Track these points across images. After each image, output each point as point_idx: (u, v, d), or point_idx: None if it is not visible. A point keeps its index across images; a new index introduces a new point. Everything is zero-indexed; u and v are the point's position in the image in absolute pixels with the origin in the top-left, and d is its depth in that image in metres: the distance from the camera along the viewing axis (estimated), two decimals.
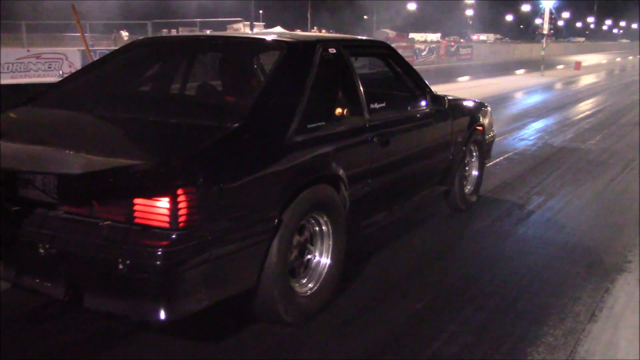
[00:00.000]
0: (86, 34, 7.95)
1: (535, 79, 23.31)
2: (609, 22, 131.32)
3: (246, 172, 2.89)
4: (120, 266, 2.55)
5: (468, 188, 5.58)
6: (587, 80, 23.68)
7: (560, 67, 30.33)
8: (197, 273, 2.67)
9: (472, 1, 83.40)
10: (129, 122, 3.34)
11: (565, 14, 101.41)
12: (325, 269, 3.50)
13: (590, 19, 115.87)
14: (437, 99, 4.82)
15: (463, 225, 5.24)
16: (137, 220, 2.60)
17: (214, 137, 2.88)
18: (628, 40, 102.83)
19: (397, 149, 4.19)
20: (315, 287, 3.44)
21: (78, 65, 15.88)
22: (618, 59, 47.14)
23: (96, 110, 3.56)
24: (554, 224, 5.30)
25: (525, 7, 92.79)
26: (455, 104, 5.22)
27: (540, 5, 27.66)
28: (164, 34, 23.77)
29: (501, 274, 4.18)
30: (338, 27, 70.95)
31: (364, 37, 5.23)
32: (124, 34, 39.37)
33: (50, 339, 3.16)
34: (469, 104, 5.57)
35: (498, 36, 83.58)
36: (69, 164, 2.79)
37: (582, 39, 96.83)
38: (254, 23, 37.05)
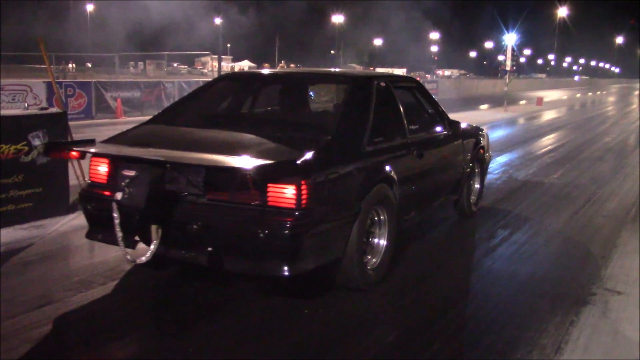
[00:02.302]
0: (44, 66, 7.91)
1: (498, 113, 23.79)
2: (568, 59, 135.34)
3: (338, 171, 4.00)
4: (261, 235, 3.57)
5: (472, 198, 6.69)
6: (548, 115, 24.26)
7: (522, 102, 31.09)
8: (310, 242, 3.72)
9: (437, 37, 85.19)
10: (245, 134, 4.27)
11: (527, 51, 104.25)
12: (383, 249, 4.54)
13: (551, 56, 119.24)
14: (453, 123, 6.04)
15: (431, 259, 5.28)
16: (270, 203, 3.65)
17: (316, 146, 3.93)
18: (587, 77, 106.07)
19: (428, 161, 5.28)
20: (377, 262, 4.49)
21: (43, 97, 15.68)
22: (578, 95, 48.49)
23: (213, 126, 4.65)
24: (520, 257, 5.38)
25: (489, 44, 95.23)
26: (464, 127, 6.33)
27: (503, 42, 28.39)
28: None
29: (468, 308, 4.22)
30: (305, 61, 71.70)
31: (400, 74, 6.46)
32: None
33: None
34: (473, 128, 6.69)
35: (462, 72, 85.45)
36: (214, 162, 3.65)
37: (543, 75, 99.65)
38: (222, 57, 37.22)
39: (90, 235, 4.32)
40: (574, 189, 8.48)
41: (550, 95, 41.40)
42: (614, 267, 5.15)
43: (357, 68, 73.67)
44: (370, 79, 4.99)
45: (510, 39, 27.03)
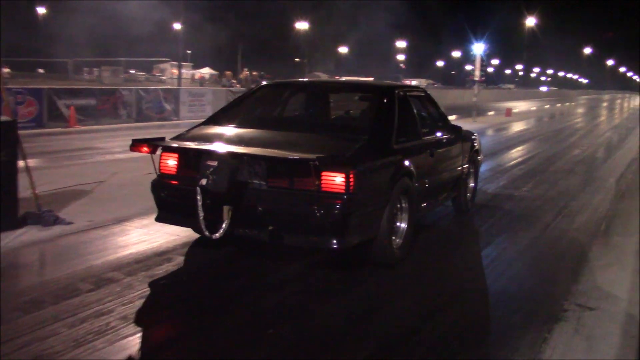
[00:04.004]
0: None
1: (467, 124, 23.98)
2: (537, 69, 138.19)
3: (375, 164, 5.11)
4: (317, 214, 4.56)
5: (468, 195, 7.67)
6: (517, 126, 24.66)
7: (491, 113, 31.53)
8: (355, 221, 4.70)
9: (404, 46, 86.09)
10: (295, 133, 5.46)
11: (495, 61, 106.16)
12: (405, 231, 5.53)
13: (519, 67, 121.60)
14: (454, 128, 7.09)
15: (403, 275, 5.30)
16: (323, 189, 4.63)
17: (357, 144, 5.02)
18: (555, 88, 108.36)
19: (437, 160, 6.43)
20: (400, 242, 5.47)
21: None
22: (547, 106, 49.46)
23: (265, 127, 5.73)
24: (492, 272, 5.44)
25: (457, 54, 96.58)
26: (463, 132, 7.36)
27: (472, 52, 28.81)
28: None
29: (441, 326, 4.24)
30: (269, 69, 71.64)
31: (412, 84, 7.37)
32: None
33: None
34: (467, 132, 7.69)
35: (430, 81, 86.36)
36: (283, 155, 4.70)
37: (512, 86, 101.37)
38: (182, 63, 36.94)
39: (160, 218, 5.32)
40: (544, 202, 8.62)
41: (518, 106, 42.15)
42: (586, 282, 5.23)
43: (322, 76, 73.95)
44: (393, 88, 6.16)
45: (479, 48, 27.44)
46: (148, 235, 6.04)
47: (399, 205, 5.45)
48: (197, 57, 68.37)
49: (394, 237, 5.37)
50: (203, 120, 6.07)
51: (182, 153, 5.17)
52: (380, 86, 6.70)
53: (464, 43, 76.26)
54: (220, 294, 4.65)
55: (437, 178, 6.41)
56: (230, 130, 5.59)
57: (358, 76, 76.55)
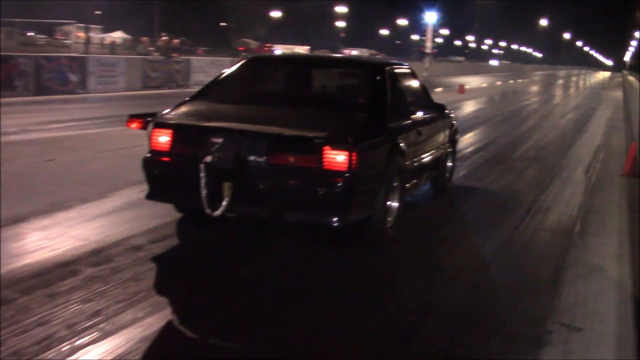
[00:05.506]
0: None
1: None
2: (489, 41, 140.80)
3: (374, 143, 5.67)
4: (320, 192, 5.08)
5: (447, 175, 8.37)
6: (472, 106, 24.85)
7: (439, 89, 31.69)
8: (356, 199, 5.24)
9: (344, 11, 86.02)
10: (293, 110, 5.97)
11: (445, 31, 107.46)
12: (396, 210, 6.11)
13: (470, 38, 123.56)
14: (438, 106, 7.95)
15: (372, 290, 5.08)
16: (325, 167, 5.13)
17: (357, 123, 5.63)
18: (508, 62, 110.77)
19: (424, 139, 7.04)
20: (392, 221, 6.03)
21: None
22: (498, 83, 50.33)
23: (260, 103, 6.22)
24: (463, 285, 5.27)
25: (402, 22, 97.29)
26: (443, 108, 8.14)
27: (422, 21, 28.86)
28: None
29: (412, 350, 4.02)
30: (191, 34, 70.38)
31: (401, 62, 7.71)
32: None
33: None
34: (441, 106, 8.22)
35: (373, 52, 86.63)
36: (288, 132, 5.22)
37: (462, 59, 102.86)
38: (91, 26, 35.68)
39: (151, 196, 5.68)
40: (511, 197, 8.58)
41: (470, 82, 42.60)
42: (568, 294, 5.13)
43: (251, 44, 73.18)
44: (383, 65, 6.78)
45: (431, 17, 27.47)
46: (49, 241, 5.56)
47: (393, 185, 5.98)
48: (108, 19, 66.33)
49: (386, 217, 5.88)
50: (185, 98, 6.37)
51: (182, 129, 5.59)
52: (371, 63, 7.69)
53: (411, 10, 76.92)
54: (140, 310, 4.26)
55: (422, 157, 7.04)
56: (224, 107, 6.14)
57: (293, 45, 76.23)
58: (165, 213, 6.29)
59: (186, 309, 4.45)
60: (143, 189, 5.84)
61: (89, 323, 4.06)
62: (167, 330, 4.08)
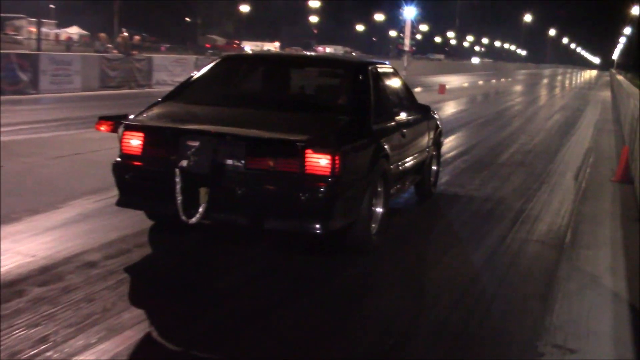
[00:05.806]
0: None
1: None
2: (470, 38, 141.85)
3: (358, 146, 5.68)
4: (302, 198, 5.07)
5: (431, 180, 8.50)
6: (453, 107, 24.96)
7: (418, 89, 31.75)
8: (339, 205, 5.28)
9: (317, 5, 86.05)
10: (272, 112, 6.00)
11: (424, 27, 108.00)
12: (380, 216, 6.19)
13: (451, 34, 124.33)
14: (422, 107, 8.08)
15: (350, 306, 4.97)
16: (307, 171, 5.12)
17: (340, 125, 5.68)
18: (491, 60, 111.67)
19: (408, 141, 7.11)
20: (376, 228, 6.10)
21: None
22: (480, 82, 50.70)
23: (237, 105, 6.23)
24: (447, 302, 5.19)
25: (379, 17, 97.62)
26: (427, 110, 8.25)
27: (401, 17, 28.91)
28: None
29: None
30: (154, 30, 69.92)
31: (382, 61, 7.93)
32: None
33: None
34: (425, 107, 8.34)
35: (347, 49, 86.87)
36: (268, 135, 5.25)
37: (441, 57, 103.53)
38: (43, 20, 35.24)
39: (122, 203, 5.66)
40: (497, 205, 8.53)
41: (451, 81, 42.87)
42: (560, 312, 5.09)
43: (218, 41, 72.99)
44: (366, 64, 6.85)
45: (410, 12, 27.54)
46: None
47: (377, 189, 6.04)
48: (63, 12, 65.68)
49: (371, 223, 5.95)
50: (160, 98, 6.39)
51: (154, 132, 5.56)
52: (352, 62, 7.93)
53: (388, 5, 77.22)
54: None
55: (406, 161, 7.13)
56: (199, 108, 6.16)
57: (262, 41, 76.17)
58: (123, 225, 6.16)
59: (146, 331, 4.30)
60: (99, 198, 5.71)
61: (35, 351, 3.90)
62: (124, 356, 3.94)
